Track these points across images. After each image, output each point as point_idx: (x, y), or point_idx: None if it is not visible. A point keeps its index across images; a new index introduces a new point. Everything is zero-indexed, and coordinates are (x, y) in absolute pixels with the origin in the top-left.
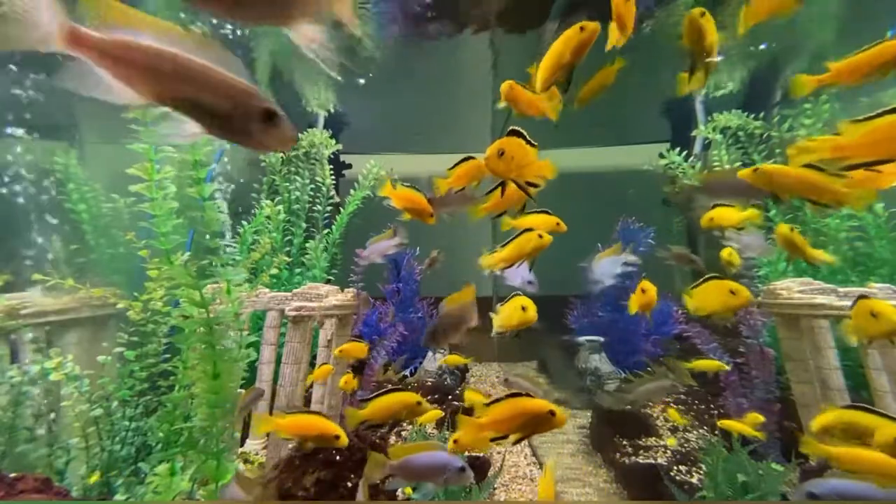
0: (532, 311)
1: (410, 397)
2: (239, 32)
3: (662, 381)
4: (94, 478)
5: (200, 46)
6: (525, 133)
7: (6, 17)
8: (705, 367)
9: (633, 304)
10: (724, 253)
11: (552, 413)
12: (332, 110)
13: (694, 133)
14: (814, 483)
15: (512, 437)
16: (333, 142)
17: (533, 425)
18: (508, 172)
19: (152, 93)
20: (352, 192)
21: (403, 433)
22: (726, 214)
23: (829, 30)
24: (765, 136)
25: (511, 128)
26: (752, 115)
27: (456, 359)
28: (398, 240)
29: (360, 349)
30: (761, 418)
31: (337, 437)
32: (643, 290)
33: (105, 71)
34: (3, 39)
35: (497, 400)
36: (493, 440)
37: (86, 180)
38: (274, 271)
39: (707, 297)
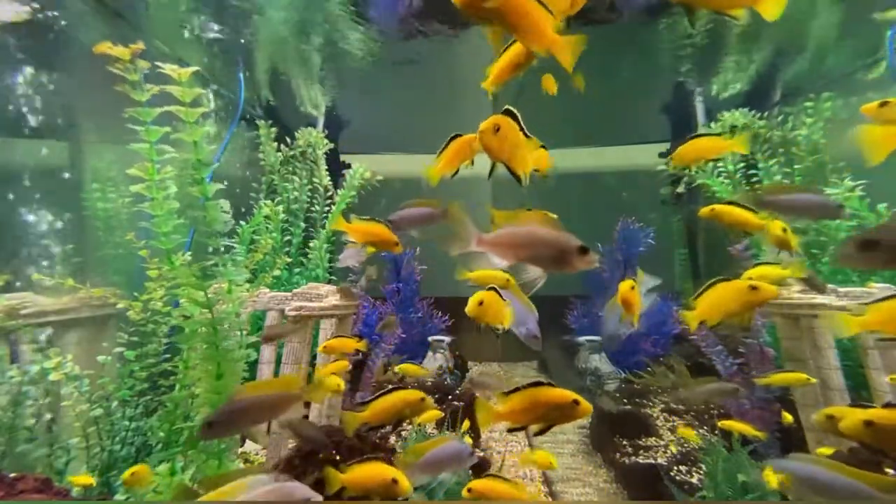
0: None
1: (413, 394)
2: (239, 33)
3: (726, 384)
4: (78, 478)
5: (536, 217)
6: (519, 116)
7: (459, 239)
8: (787, 382)
9: (612, 303)
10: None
11: (576, 402)
12: (332, 110)
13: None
14: (777, 463)
15: (533, 428)
16: (326, 141)
17: (555, 415)
18: (501, 152)
19: (516, 257)
20: (340, 192)
21: (403, 433)
22: (737, 213)
23: (829, 28)
24: (767, 135)
25: (506, 107)
26: (754, 115)
27: (415, 369)
28: (360, 252)
29: (343, 345)
30: (790, 418)
31: (395, 482)
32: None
33: (492, 252)
34: (453, 248)
35: (517, 389)
36: (511, 430)
37: (113, 181)
38: (277, 272)
39: (715, 301)
